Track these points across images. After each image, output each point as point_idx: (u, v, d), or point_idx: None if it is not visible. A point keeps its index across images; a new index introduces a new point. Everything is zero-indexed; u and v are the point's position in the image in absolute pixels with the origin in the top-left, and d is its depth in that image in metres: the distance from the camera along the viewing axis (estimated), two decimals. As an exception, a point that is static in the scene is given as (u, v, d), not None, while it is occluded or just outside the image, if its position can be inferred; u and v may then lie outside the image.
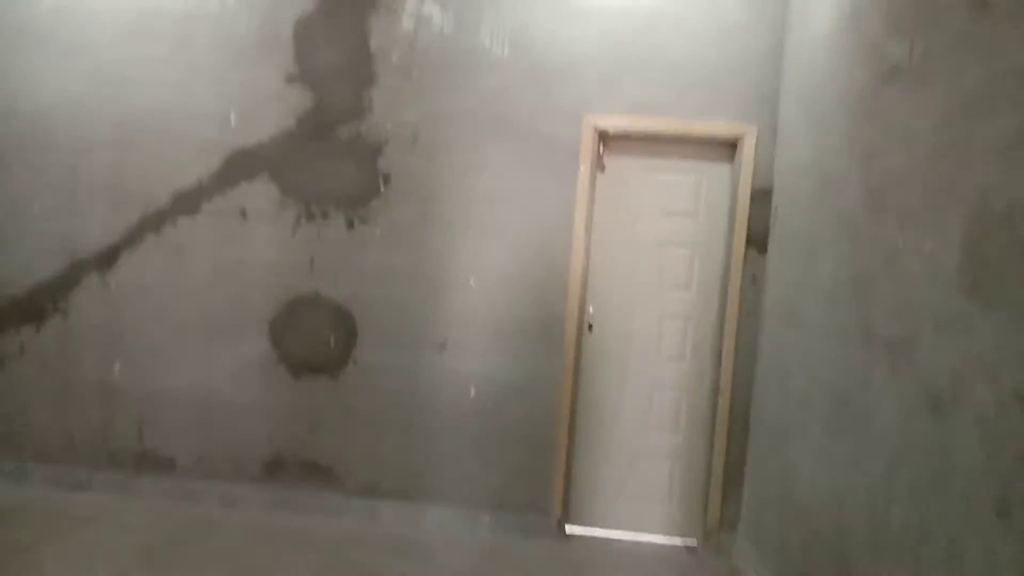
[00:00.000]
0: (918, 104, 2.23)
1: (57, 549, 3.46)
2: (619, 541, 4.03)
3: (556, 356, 3.96)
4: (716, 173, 3.97)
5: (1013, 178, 1.72)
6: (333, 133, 4.00)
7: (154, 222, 4.09)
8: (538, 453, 4.00)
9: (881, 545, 2.23)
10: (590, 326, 4.04)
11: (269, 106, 4.02)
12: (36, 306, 4.16)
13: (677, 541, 4.03)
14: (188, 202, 4.06)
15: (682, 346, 4.02)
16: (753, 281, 3.84)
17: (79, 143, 4.09)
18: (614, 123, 3.86)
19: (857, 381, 2.53)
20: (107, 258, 4.11)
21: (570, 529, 4.06)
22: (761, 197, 3.83)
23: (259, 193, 4.03)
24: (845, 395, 2.63)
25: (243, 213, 4.05)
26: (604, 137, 3.96)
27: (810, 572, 2.85)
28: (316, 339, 4.07)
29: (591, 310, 4.04)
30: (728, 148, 3.95)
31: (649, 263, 4.02)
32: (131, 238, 4.10)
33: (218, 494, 4.10)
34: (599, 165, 3.99)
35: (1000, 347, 1.71)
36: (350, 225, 4.01)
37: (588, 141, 3.86)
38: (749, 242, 3.84)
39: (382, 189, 3.99)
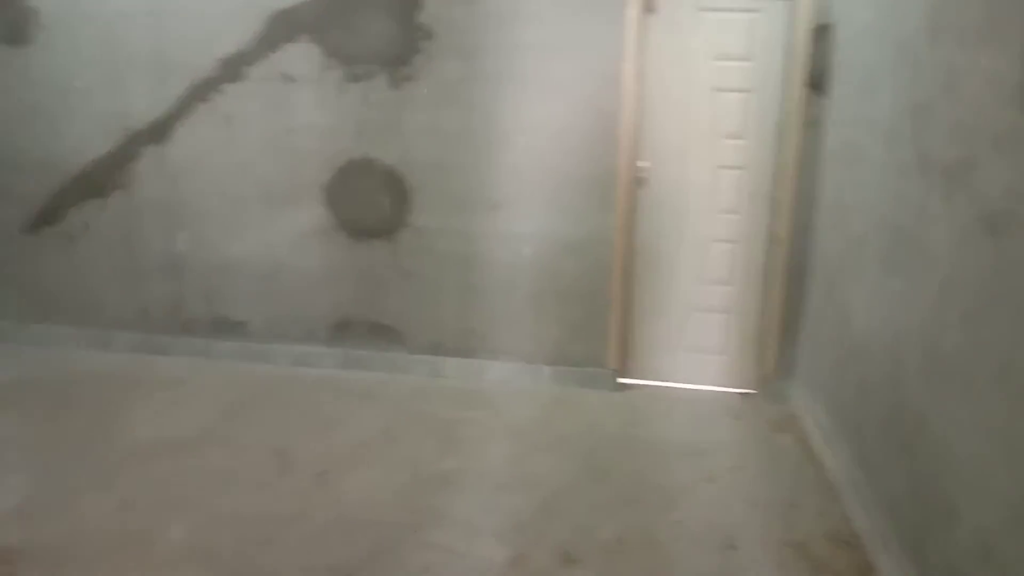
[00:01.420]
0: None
1: (147, 407, 3.73)
2: (676, 389, 4.13)
3: (609, 211, 3.93)
4: (772, 10, 3.73)
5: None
6: (372, -12, 3.87)
7: (201, 91, 4.09)
8: (594, 309, 4.05)
9: (934, 372, 2.24)
10: (643, 180, 3.97)
11: (306, -37, 3.89)
12: (95, 182, 4.27)
13: (733, 390, 4.11)
14: (233, 68, 4.04)
15: (738, 197, 3.93)
16: (811, 125, 3.69)
17: (119, 13, 4.05)
18: (666, -40, 3.63)
19: (913, 212, 2.46)
20: (160, 130, 4.16)
21: (627, 381, 4.16)
22: (820, 34, 3.61)
23: (301, 56, 3.98)
24: (901, 228, 2.57)
25: (288, 77, 4.01)
26: (655, -24, 3.74)
27: (864, 409, 2.89)
28: (370, 203, 4.11)
29: (644, 163, 3.96)
30: (789, -19, 3.70)
31: (703, 111, 3.88)
32: (182, 108, 4.12)
33: (289, 355, 4.31)
34: (649, 7, 3.79)
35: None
36: (395, 85, 3.95)
37: (638, -19, 3.66)
38: (807, 84, 3.66)
39: (424, 45, 3.89)
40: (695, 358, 4.13)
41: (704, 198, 3.96)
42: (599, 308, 4.04)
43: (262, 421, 3.62)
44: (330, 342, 4.29)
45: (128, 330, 4.43)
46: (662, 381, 4.16)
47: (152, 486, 3.02)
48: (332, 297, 4.24)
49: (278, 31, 3.96)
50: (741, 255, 3.99)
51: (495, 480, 3.15)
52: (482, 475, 3.18)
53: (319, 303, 4.27)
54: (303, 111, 4.03)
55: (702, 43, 3.82)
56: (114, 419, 3.58)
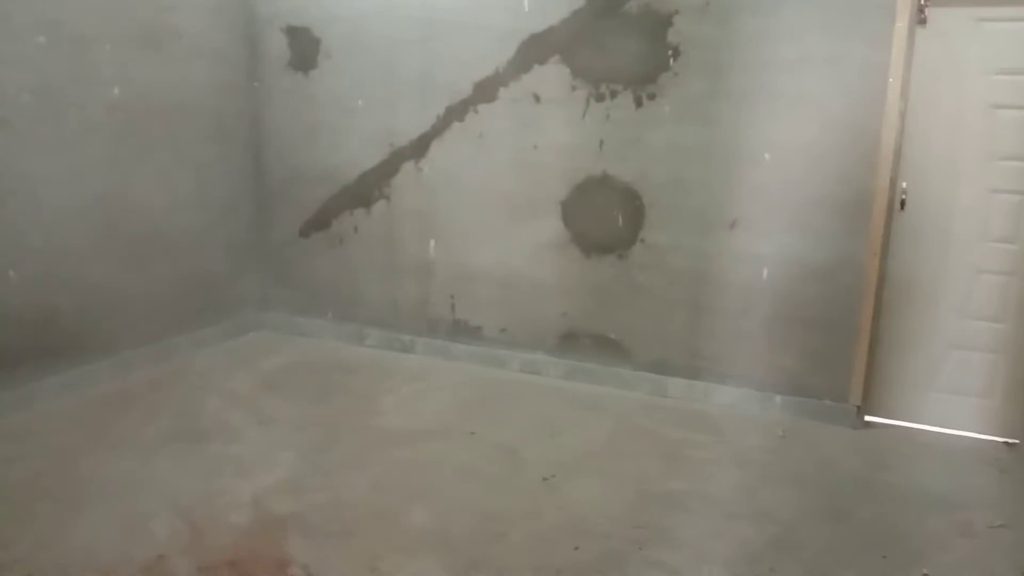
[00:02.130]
0: None
1: (395, 397, 4.08)
2: (926, 432, 3.78)
3: (860, 236, 3.69)
4: (1071, 17, 3.32)
5: None
6: (622, 8, 3.95)
7: (458, 111, 4.42)
8: (836, 338, 3.82)
9: None
10: (903, 203, 3.68)
11: (559, -12, 4.08)
12: (364, 192, 4.76)
13: (995, 438, 3.68)
14: (487, 90, 4.32)
15: (1015, 224, 3.52)
16: (1120, 144, 3.22)
17: (393, 42, 4.49)
18: (942, -33, 3.36)
19: None
20: (419, 147, 4.54)
21: (870, 418, 3.87)
22: None
23: (551, 76, 4.16)
24: None
25: (536, 97, 4.21)
26: (928, -15, 3.47)
27: None
28: (605, 219, 4.20)
29: (904, 185, 3.67)
30: (1096, -17, 3.27)
31: (977, 130, 3.53)
32: (439, 127, 4.48)
33: (520, 361, 4.50)
34: (919, 18, 3.52)
35: None
36: (638, 103, 4.00)
37: (908, -9, 3.42)
38: (1118, 98, 3.20)
39: (671, 63, 3.90)
40: (952, 400, 3.75)
41: (973, 224, 3.59)
42: (843, 338, 3.80)
43: (494, 421, 3.82)
44: (557, 352, 4.43)
45: (380, 327, 4.87)
46: (910, 422, 3.82)
47: (398, 471, 3.29)
48: (562, 309, 4.38)
49: (530, 54, 4.18)
50: (1015, 289, 3.56)
51: (723, 507, 3.07)
52: (710, 500, 3.12)
53: (549, 313, 4.42)
54: (548, 129, 4.22)
55: (978, 56, 3.49)
56: (366, 407, 3.95)
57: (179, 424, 3.64)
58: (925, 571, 2.66)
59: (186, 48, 4.39)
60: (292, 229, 5.00)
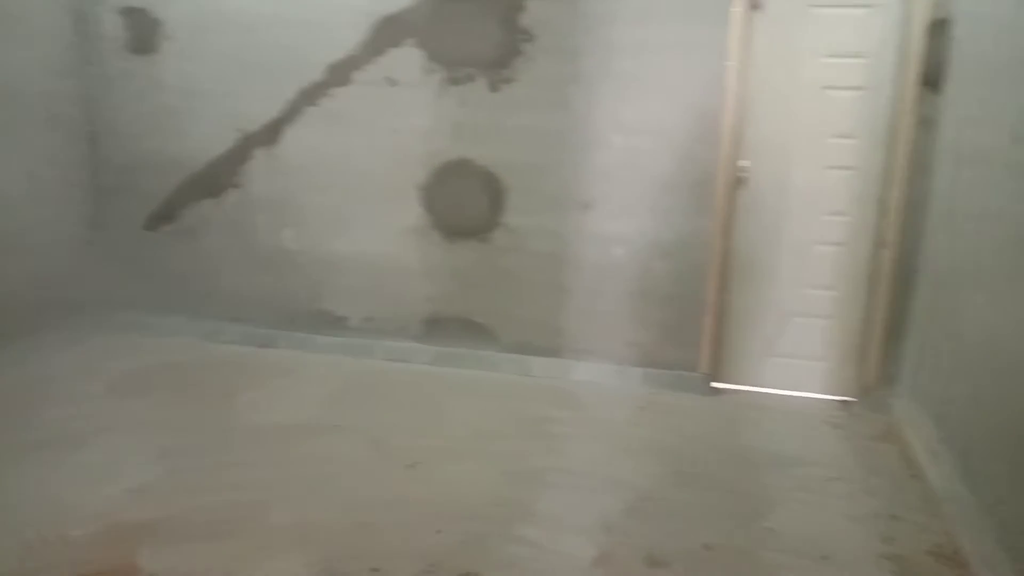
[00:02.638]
0: None
1: (256, 394, 3.93)
2: (771, 396, 4.02)
3: (706, 213, 3.87)
4: (886, 5, 3.58)
5: None
6: (474, -8, 3.95)
7: (311, 94, 4.27)
8: (686, 311, 4.00)
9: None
10: (744, 180, 3.89)
11: (411, -31, 4.01)
12: (214, 181, 4.53)
13: (832, 397, 3.97)
14: (341, 73, 4.20)
15: (844, 199, 3.79)
16: (925, 124, 3.52)
17: (239, 23, 4.28)
18: (771, -44, 3.55)
19: (1045, 218, 2.32)
20: (271, 132, 4.37)
21: (719, 385, 4.08)
22: (937, 29, 3.44)
23: (406, 60, 4.10)
24: (1029, 235, 2.42)
25: (392, 81, 4.14)
26: (759, -27, 3.66)
27: (974, 423, 2.74)
28: (465, 204, 4.19)
29: (745, 163, 3.87)
30: (903, -26, 3.55)
31: (810, 111, 3.77)
32: (291, 112, 4.32)
33: (386, 349, 4.44)
34: (754, 3, 3.71)
35: None
36: (494, 87, 4.01)
37: (741, -21, 3.59)
38: (921, 81, 3.50)
39: (524, 48, 3.93)
40: (793, 364, 4.00)
41: (808, 200, 3.84)
42: (693, 311, 3.98)
43: (360, 412, 3.75)
44: (424, 338, 4.40)
45: (239, 322, 4.67)
46: (757, 387, 4.06)
47: (259, 469, 3.17)
48: (426, 295, 4.35)
49: (385, 36, 4.10)
50: (846, 259, 3.85)
51: (584, 479, 3.15)
52: (572, 474, 3.19)
53: (415, 300, 4.38)
54: (405, 113, 4.16)
55: (811, 40, 3.71)
56: (226, 407, 3.78)
57: (18, 435, 3.36)
58: (768, 525, 2.83)
59: (9, 28, 4.02)
60: (136, 223, 4.70)
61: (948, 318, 3.17)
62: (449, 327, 4.36)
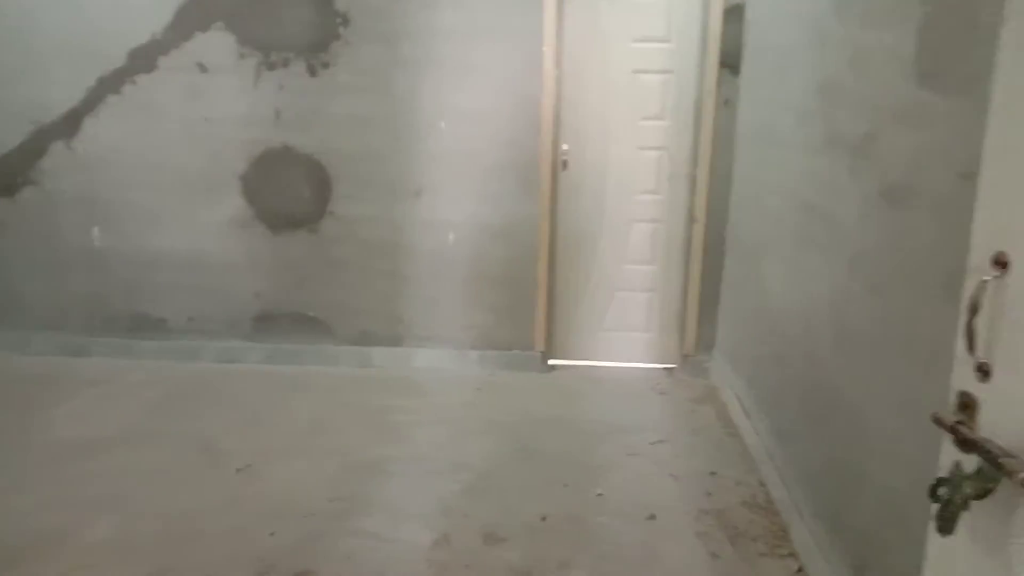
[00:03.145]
0: None
1: (67, 409, 3.62)
2: (602, 368, 4.20)
3: (533, 196, 3.96)
4: (688, -8, 3.81)
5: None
6: (285, -26, 3.80)
7: (113, 82, 3.97)
8: (520, 293, 4.09)
9: (845, 344, 2.33)
10: (565, 163, 4.01)
11: (215, -52, 3.80)
12: (5, 179, 4.11)
13: (656, 365, 4.20)
14: (144, 59, 3.92)
15: (657, 177, 4.01)
16: (726, 104, 3.78)
17: (28, 4, 3.89)
18: (579, -56, 3.66)
19: (824, 188, 2.55)
20: (70, 123, 4.02)
21: (554, 362, 4.21)
22: (733, 15, 3.70)
23: (215, 44, 3.89)
24: (813, 204, 2.66)
25: (202, 67, 3.92)
26: (570, -40, 3.77)
27: (781, 381, 2.99)
28: (290, 193, 4.06)
29: (565, 147, 4.00)
30: (700, -36, 3.77)
31: (622, 94, 3.94)
32: (91, 100, 3.99)
33: (214, 350, 4.22)
34: (566, -9, 3.82)
35: (952, 131, 1.71)
36: (312, 72, 3.90)
37: (553, -34, 3.68)
38: (722, 64, 3.75)
39: (341, 31, 3.84)
40: (620, 337, 4.20)
41: (625, 179, 4.02)
42: (525, 292, 4.07)
43: (186, 418, 3.55)
44: (255, 336, 4.23)
45: (47, 330, 4.28)
46: (589, 361, 4.22)
47: (73, 485, 2.93)
48: (255, 290, 4.18)
49: (191, 20, 3.86)
50: (662, 234, 4.07)
51: (423, 465, 3.15)
52: (410, 461, 3.18)
53: (242, 297, 4.19)
54: (218, 100, 3.95)
55: (620, 26, 3.87)
56: (33, 422, 3.46)
57: None
58: (599, 491, 2.96)
59: None
60: (-88, 226, 4.18)
61: (755, 286, 3.43)
62: (281, 323, 4.21)
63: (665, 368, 4.18)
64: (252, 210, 4.07)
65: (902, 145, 1.96)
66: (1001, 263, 0.90)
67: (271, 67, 3.90)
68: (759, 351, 3.30)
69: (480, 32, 3.80)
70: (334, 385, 3.95)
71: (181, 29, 3.89)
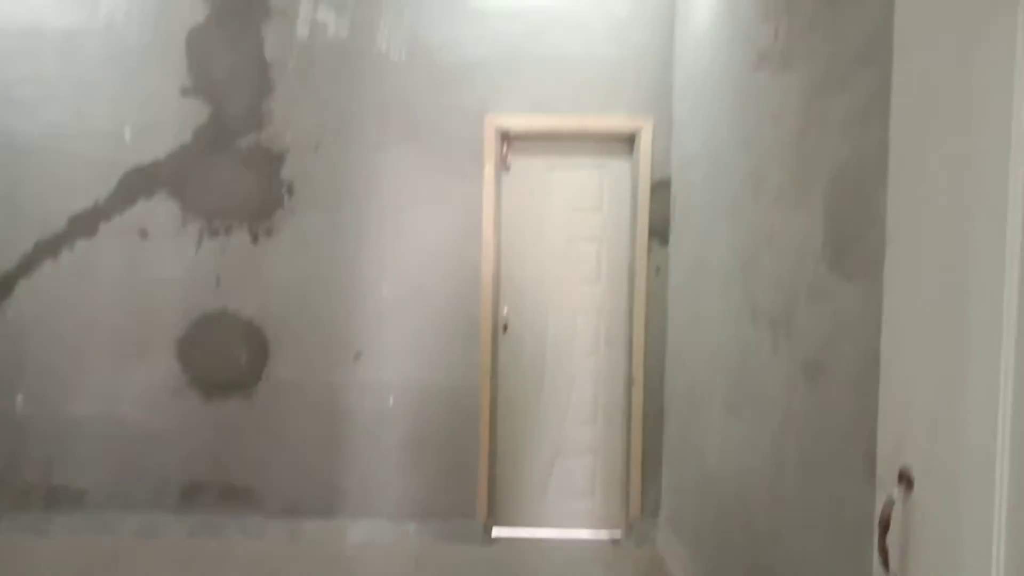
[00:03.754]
0: (784, 85, 2.31)
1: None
2: (545, 540, 4.04)
3: (473, 359, 3.96)
4: (617, 167, 4.04)
5: (860, 152, 1.79)
6: (232, 144, 3.92)
7: (51, 247, 3.94)
8: (460, 457, 3.98)
9: (778, 514, 2.30)
10: (505, 326, 4.05)
11: (165, 120, 3.92)
12: (-74, 343, 3.96)
13: (602, 534, 4.07)
14: (85, 224, 3.93)
15: (595, 340, 4.06)
16: (657, 272, 3.92)
17: (-37, 169, 3.92)
18: (515, 122, 3.89)
19: (748, 358, 2.60)
20: (2, 287, 3.94)
21: (497, 531, 4.05)
22: (661, 188, 3.91)
23: (159, 210, 3.93)
24: (740, 373, 2.70)
25: (143, 232, 3.93)
26: (506, 136, 3.99)
27: (723, 549, 2.91)
28: (226, 357, 3.98)
29: (505, 310, 4.05)
30: (626, 142, 4.02)
31: (559, 260, 4.06)
32: (26, 265, 3.94)
33: (134, 525, 3.96)
34: (503, 164, 4.02)
35: (860, 313, 1.78)
36: (254, 238, 3.94)
37: (491, 140, 3.89)
38: (652, 233, 3.92)
39: (286, 199, 3.93)
40: (564, 502, 4.08)
41: (564, 341, 4.06)
42: (467, 457, 3.97)
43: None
44: (179, 509, 3.99)
45: (-53, 506, 3.98)
46: (534, 527, 4.07)
47: None
48: (181, 458, 3.98)
49: (135, 187, 3.92)
50: (602, 397, 4.07)
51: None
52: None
53: (166, 466, 3.99)
54: (158, 265, 3.94)
55: (555, 197, 4.06)
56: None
57: None
58: None
59: None
60: None
61: (692, 450, 3.42)
62: (208, 494, 3.99)
63: (611, 538, 4.04)
64: (186, 376, 3.96)
65: (816, 323, 2.03)
66: (906, 478, 0.90)
67: (214, 233, 3.94)
68: (701, 520, 3.24)
69: (421, 200, 3.93)
70: (260, 561, 3.70)
71: (125, 195, 3.93)
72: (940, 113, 0.93)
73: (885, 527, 0.91)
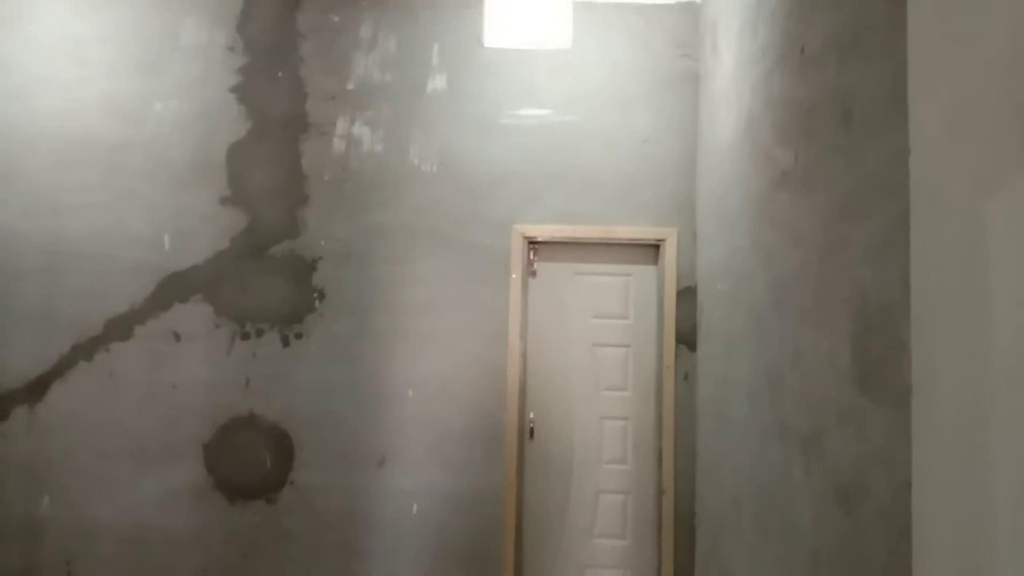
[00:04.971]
0: (806, 206, 2.36)
1: None
2: (572, 657, 3.88)
3: (498, 466, 3.92)
4: (643, 273, 4.08)
5: (884, 280, 1.81)
6: (267, 252, 4.05)
7: (86, 349, 4.04)
8: (484, 570, 3.88)
9: (813, 648, 2.20)
10: (531, 432, 4.02)
11: (203, 228, 4.07)
12: (-40, 442, 4.02)
13: (633, 653, 3.90)
14: (121, 327, 4.04)
15: (623, 448, 4.01)
16: (685, 378, 3.90)
17: (8, 270, 4.07)
18: (542, 231, 3.98)
19: (778, 477, 2.55)
20: (37, 388, 4.02)
21: (522, 647, 3.91)
22: (687, 295, 3.94)
23: (193, 314, 4.03)
24: (769, 492, 2.64)
25: (176, 336, 4.02)
26: (533, 244, 4.07)
27: None
28: (251, 461, 3.98)
29: (531, 416, 4.03)
30: (652, 250, 4.08)
31: (585, 365, 4.07)
32: (62, 366, 4.03)
33: (149, 633, 3.88)
34: (530, 271, 4.09)
35: (890, 438, 1.75)
36: (285, 342, 4.01)
37: (518, 249, 3.97)
38: (680, 339, 3.92)
39: (317, 305, 4.02)
40: (592, 620, 3.94)
41: (590, 449, 4.01)
42: (489, 569, 3.87)
43: None
44: (198, 616, 3.92)
45: (-34, 610, 3.94)
46: (559, 647, 3.92)
47: None
48: (201, 566, 3.93)
49: (171, 291, 4.04)
50: (631, 507, 3.98)
51: None
52: None
53: (185, 572, 3.94)
54: (188, 368, 4.01)
55: (581, 303, 4.10)
56: None
57: None
58: None
59: None
60: None
61: (721, 567, 3.30)
62: (227, 602, 3.92)
63: (639, 656, 3.88)
64: (211, 479, 3.96)
65: (847, 448, 1.99)
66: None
67: (245, 337, 4.01)
68: (736, 643, 3.10)
69: (448, 307, 3.99)
70: (278, 677, 3.59)
71: (161, 299, 4.04)
72: (957, 269, 0.95)
73: None
